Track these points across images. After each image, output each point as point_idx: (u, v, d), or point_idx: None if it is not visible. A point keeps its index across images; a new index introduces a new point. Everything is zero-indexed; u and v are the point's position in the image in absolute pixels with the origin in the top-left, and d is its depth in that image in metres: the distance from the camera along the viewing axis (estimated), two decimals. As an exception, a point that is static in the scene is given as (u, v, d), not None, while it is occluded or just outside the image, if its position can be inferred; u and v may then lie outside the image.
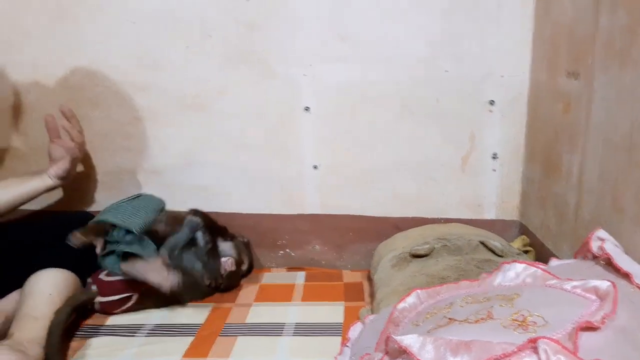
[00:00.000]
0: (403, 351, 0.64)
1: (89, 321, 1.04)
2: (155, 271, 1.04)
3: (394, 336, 0.65)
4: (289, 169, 1.29)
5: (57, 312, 0.92)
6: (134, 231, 1.07)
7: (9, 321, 0.93)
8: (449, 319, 0.69)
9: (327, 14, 1.20)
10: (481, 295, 0.72)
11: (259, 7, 1.20)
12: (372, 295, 1.14)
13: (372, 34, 1.21)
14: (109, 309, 1.06)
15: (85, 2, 1.21)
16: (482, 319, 0.65)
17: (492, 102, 1.23)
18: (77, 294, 1.01)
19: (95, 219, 1.12)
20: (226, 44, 1.22)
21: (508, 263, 0.76)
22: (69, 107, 1.13)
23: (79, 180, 1.28)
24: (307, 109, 1.25)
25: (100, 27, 1.22)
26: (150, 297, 1.07)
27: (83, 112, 1.26)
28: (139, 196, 1.21)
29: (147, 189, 1.30)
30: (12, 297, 0.99)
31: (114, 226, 1.09)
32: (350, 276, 1.27)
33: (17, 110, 1.26)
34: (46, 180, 1.09)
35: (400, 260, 1.07)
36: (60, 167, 1.09)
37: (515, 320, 0.63)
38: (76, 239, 1.04)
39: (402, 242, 1.14)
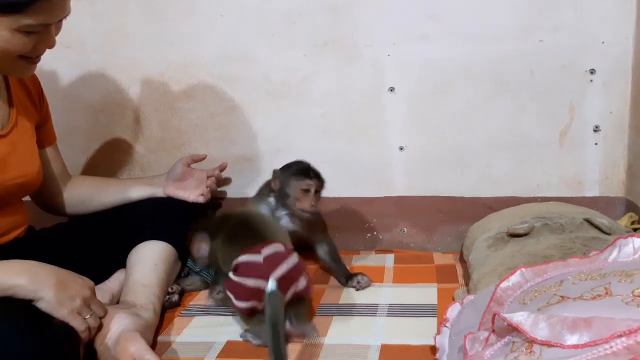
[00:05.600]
0: (513, 329, 0.62)
1: (193, 301, 1.10)
2: None
3: (502, 314, 0.63)
4: (375, 151, 1.28)
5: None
6: None
7: (116, 298, 1.01)
8: (561, 296, 0.65)
9: (411, -9, 1.18)
10: (595, 272, 0.68)
11: (343, -10, 1.20)
12: (466, 277, 1.12)
13: (459, 9, 1.17)
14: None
15: (177, 2, 1.26)
16: (599, 295, 0.62)
17: (592, 71, 1.15)
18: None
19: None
20: (311, 30, 1.23)
21: (624, 238, 0.71)
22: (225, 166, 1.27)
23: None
24: (391, 89, 1.24)
25: (191, 24, 1.27)
26: None
27: (178, 105, 1.33)
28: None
29: (236, 176, 1.35)
30: (117, 276, 1.05)
31: None
32: (442, 258, 1.25)
33: (119, 106, 1.35)
34: (158, 193, 1.17)
35: (497, 240, 1.03)
36: (182, 195, 1.16)
37: (638, 296, 0.59)
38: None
39: (497, 222, 1.10)
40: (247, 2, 1.24)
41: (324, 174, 1.30)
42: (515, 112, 1.20)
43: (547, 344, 0.57)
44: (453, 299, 0.99)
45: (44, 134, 1.07)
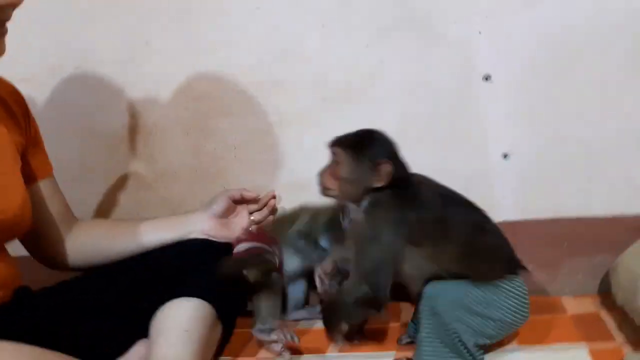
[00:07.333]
0: None
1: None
2: None
3: None
4: (468, 161, 0.98)
5: None
6: None
7: None
8: None
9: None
10: None
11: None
12: (627, 330, 0.79)
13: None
14: None
15: (206, 3, 1.05)
16: None
17: None
18: None
19: None
20: (372, 11, 0.97)
21: None
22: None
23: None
24: (487, 78, 0.95)
25: (224, 25, 1.04)
26: None
27: (212, 124, 1.08)
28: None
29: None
30: (136, 350, 0.79)
31: None
32: (577, 304, 0.92)
33: (141, 133, 1.12)
34: (191, 234, 0.92)
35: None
36: (227, 236, 0.94)
37: None
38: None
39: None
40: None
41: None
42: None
43: None
44: (628, 368, 0.66)
45: (34, 163, 0.85)
